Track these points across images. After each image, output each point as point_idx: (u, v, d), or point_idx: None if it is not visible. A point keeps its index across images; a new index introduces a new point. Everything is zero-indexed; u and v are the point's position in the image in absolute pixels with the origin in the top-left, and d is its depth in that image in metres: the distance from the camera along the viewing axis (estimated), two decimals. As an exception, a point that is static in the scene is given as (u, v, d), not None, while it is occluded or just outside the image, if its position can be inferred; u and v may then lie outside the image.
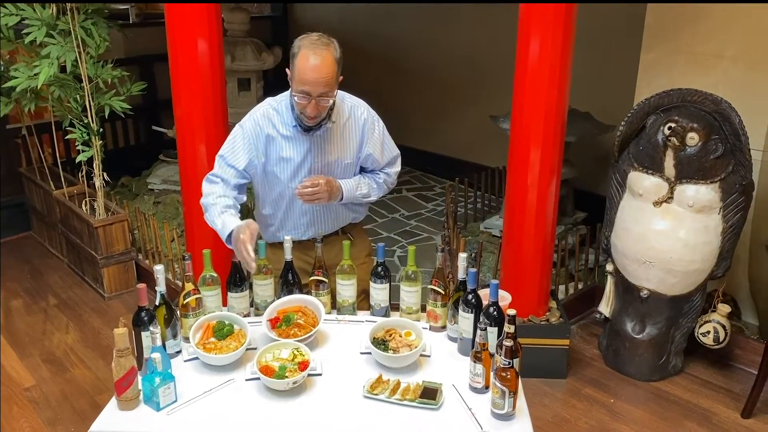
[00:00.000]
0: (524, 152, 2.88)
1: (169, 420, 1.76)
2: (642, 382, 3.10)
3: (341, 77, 2.09)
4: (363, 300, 2.32)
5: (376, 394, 1.82)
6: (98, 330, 3.60)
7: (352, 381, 1.89)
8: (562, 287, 3.61)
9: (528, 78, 2.77)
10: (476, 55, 5.14)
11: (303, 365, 1.86)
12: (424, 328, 2.09)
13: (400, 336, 2.01)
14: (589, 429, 2.81)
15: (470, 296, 1.98)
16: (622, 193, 3.07)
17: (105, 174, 3.89)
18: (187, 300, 2.06)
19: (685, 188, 2.84)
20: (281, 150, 2.20)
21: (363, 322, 2.19)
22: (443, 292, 2.13)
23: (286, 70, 2.10)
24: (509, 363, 1.72)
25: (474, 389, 1.85)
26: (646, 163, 2.93)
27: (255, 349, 1.98)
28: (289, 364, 1.87)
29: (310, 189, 2.17)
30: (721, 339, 3.00)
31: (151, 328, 1.83)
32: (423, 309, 2.23)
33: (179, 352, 2.03)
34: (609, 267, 3.22)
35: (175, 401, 1.81)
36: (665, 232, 2.89)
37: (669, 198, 2.88)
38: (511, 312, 1.76)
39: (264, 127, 2.19)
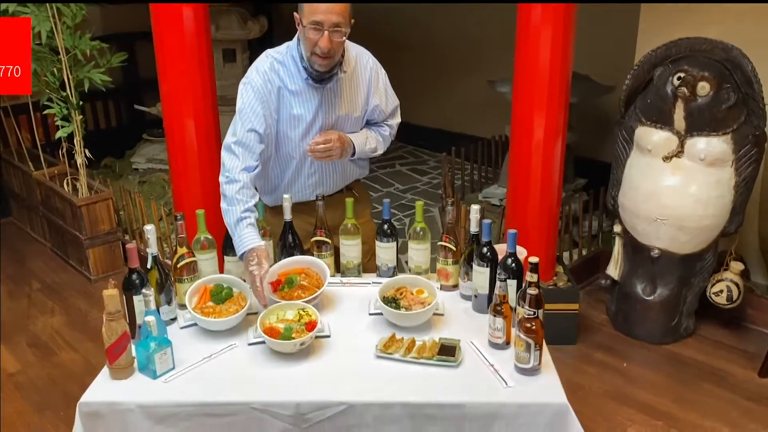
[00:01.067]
0: (528, 115, 2.77)
1: (166, 388, 1.63)
2: (654, 345, 3.00)
3: (352, 20, 1.95)
4: (370, 260, 2.18)
5: (390, 353, 1.70)
6: (86, 312, 3.43)
7: (363, 342, 1.78)
8: (566, 254, 3.50)
9: (531, 37, 2.65)
10: (467, 27, 5.00)
11: (310, 326, 1.73)
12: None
13: (412, 294, 1.88)
14: (604, 393, 2.71)
15: (485, 249, 1.86)
16: (629, 150, 2.96)
17: (87, 151, 3.70)
18: (180, 263, 1.92)
19: (696, 141, 2.74)
20: (291, 107, 2.04)
21: (370, 284, 2.07)
22: (455, 249, 2.00)
23: (294, 14, 1.96)
24: (534, 313, 1.60)
25: (494, 345, 1.74)
26: (654, 117, 2.82)
27: (256, 314, 1.84)
28: (296, 324, 1.74)
29: (322, 146, 2.03)
30: (734, 298, 2.91)
31: (143, 291, 1.69)
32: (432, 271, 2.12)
33: (174, 319, 1.90)
34: (617, 228, 3.11)
35: (173, 369, 1.67)
36: (676, 187, 2.78)
37: (679, 152, 2.77)
38: (534, 260, 1.65)
39: (274, 81, 2.01)
